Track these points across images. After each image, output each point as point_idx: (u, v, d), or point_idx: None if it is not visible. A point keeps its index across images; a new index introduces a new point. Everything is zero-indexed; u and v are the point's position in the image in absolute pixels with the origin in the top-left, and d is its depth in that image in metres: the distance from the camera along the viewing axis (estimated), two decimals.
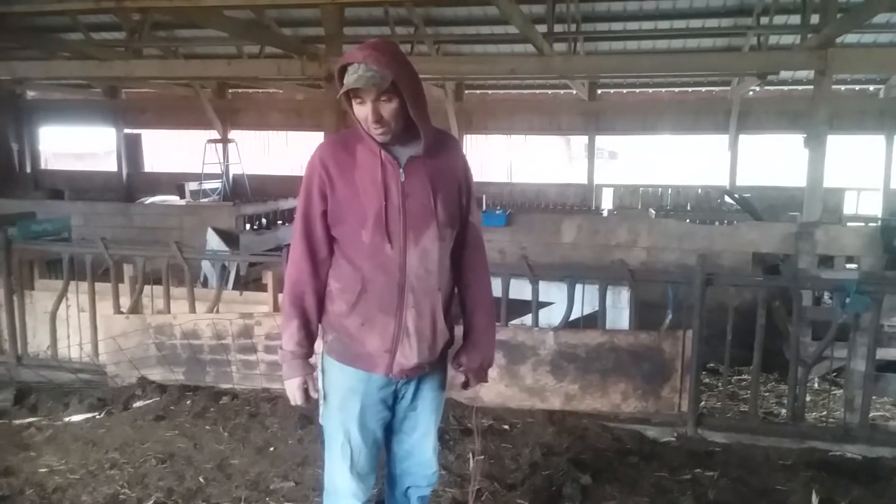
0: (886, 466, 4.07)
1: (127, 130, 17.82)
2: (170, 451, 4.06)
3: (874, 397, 5.38)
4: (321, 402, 2.40)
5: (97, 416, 4.64)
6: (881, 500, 3.64)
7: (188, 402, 4.77)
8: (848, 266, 7.62)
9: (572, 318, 4.79)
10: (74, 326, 5.62)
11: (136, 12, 9.82)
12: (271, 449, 4.11)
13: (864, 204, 13.59)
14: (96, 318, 5.44)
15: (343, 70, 2.10)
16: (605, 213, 13.65)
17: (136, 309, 5.35)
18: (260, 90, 16.37)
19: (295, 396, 2.35)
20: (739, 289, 4.82)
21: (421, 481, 2.53)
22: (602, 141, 20.39)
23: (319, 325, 2.38)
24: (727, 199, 12.86)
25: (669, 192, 14.86)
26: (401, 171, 2.23)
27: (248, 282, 7.65)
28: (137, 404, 4.82)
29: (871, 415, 4.60)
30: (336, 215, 2.26)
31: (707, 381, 6.13)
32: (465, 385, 2.55)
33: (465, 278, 2.46)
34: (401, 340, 2.27)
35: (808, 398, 5.41)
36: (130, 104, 17.60)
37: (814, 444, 4.30)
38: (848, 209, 13.24)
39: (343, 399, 2.34)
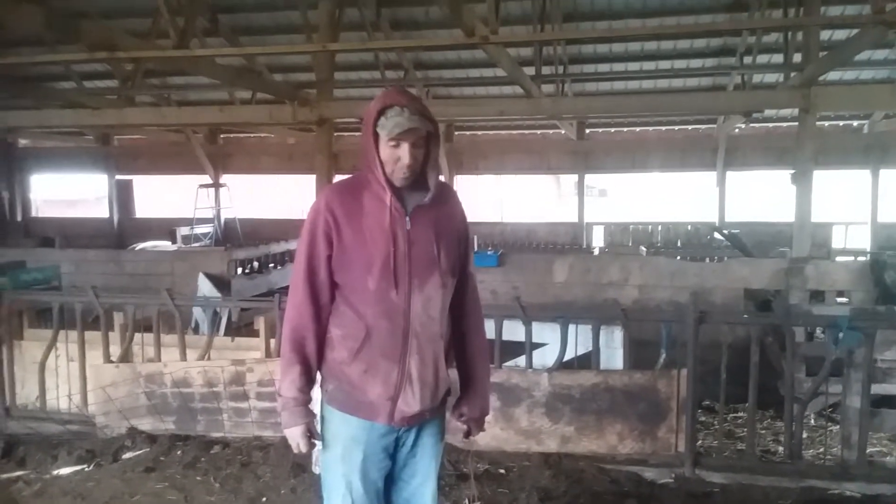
0: (885, 501, 4.03)
1: (119, 176, 17.86)
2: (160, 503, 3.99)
3: (871, 433, 5.35)
4: (319, 450, 2.36)
5: (86, 469, 4.55)
6: None
7: (179, 453, 4.70)
8: (839, 300, 7.64)
9: (566, 358, 4.78)
10: (63, 376, 5.55)
11: (128, 62, 9.93)
12: (263, 499, 4.04)
13: (853, 238, 13.70)
14: (86, 367, 5.38)
15: (380, 112, 2.16)
16: (596, 252, 13.70)
17: (126, 357, 5.30)
18: (251, 135, 16.49)
19: (299, 444, 2.31)
20: (732, 326, 4.83)
21: None
22: (592, 179, 20.60)
23: (318, 373, 2.36)
24: (717, 235, 12.93)
25: (659, 229, 14.95)
26: (407, 218, 2.26)
27: (240, 327, 7.60)
28: (127, 456, 4.74)
29: (868, 451, 4.57)
30: (341, 261, 2.25)
31: (703, 419, 6.09)
32: (468, 434, 2.55)
33: (462, 326, 2.48)
34: (403, 388, 2.27)
35: (804, 435, 5.37)
36: (122, 150, 17.68)
37: (812, 482, 4.25)
38: (836, 243, 13.33)
39: (345, 449, 2.32)
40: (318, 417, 2.37)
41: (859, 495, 4.15)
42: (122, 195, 18.02)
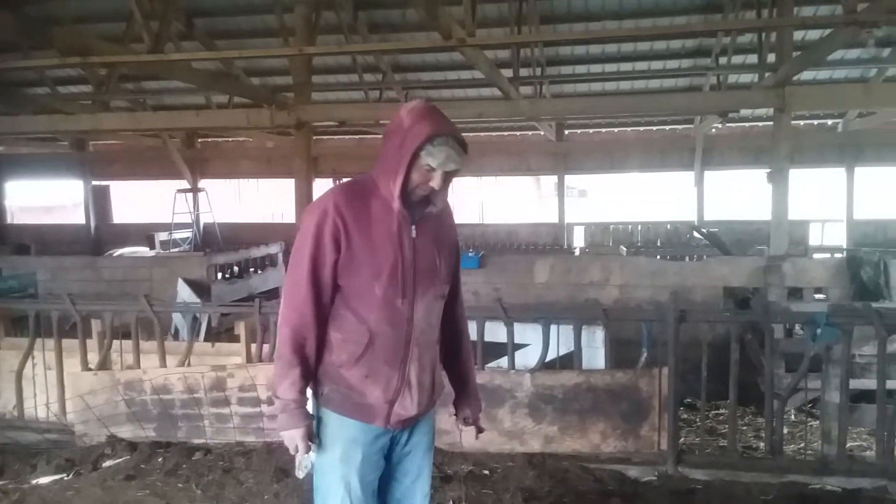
0: (866, 497, 4.09)
1: (95, 182, 17.65)
2: None
3: (850, 428, 5.42)
4: (304, 454, 2.33)
5: (65, 478, 4.49)
6: None
7: (160, 460, 4.65)
8: (816, 297, 7.73)
9: (548, 359, 4.79)
10: (41, 385, 5.48)
11: (102, 67, 9.82)
12: None
13: (829, 235, 13.88)
14: (63, 375, 5.31)
15: (429, 138, 2.15)
16: (577, 252, 13.76)
17: (104, 365, 5.24)
18: (229, 139, 16.37)
19: (299, 447, 2.28)
20: (712, 324, 4.87)
21: None
22: (572, 180, 20.69)
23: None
24: (696, 234, 13.03)
25: (639, 228, 15.04)
26: (413, 227, 2.28)
27: (221, 332, 7.54)
28: (107, 464, 4.68)
29: (847, 445, 4.62)
30: (349, 265, 2.24)
31: (685, 416, 6.13)
32: (478, 433, 2.65)
33: (453, 331, 2.54)
34: (402, 392, 2.30)
35: (785, 430, 5.44)
36: (98, 156, 17.48)
37: (793, 477, 4.30)
38: (813, 241, 13.50)
39: (345, 451, 2.30)
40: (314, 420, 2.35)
41: (840, 489, 4.20)
42: (99, 201, 17.80)
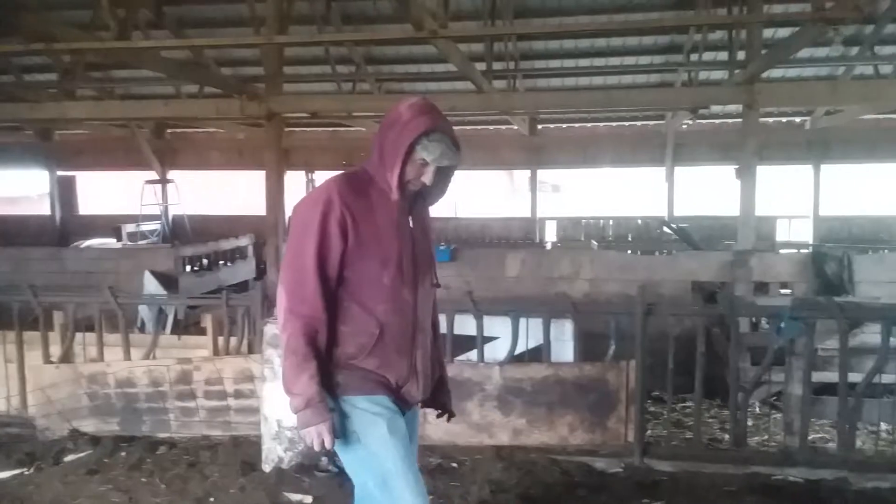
0: (827, 488, 4.16)
1: (61, 173, 17.31)
2: None
3: (812, 420, 5.51)
4: (343, 447, 2.29)
5: (26, 472, 4.41)
6: None
7: (123, 454, 4.59)
8: (782, 292, 7.84)
9: (517, 352, 4.80)
10: (1, 378, 5.37)
11: (66, 54, 9.62)
12: (211, 499, 3.96)
13: (796, 231, 14.10)
14: (24, 368, 5.21)
15: (425, 133, 2.19)
16: (548, 246, 13.81)
17: (67, 358, 5.14)
18: (199, 129, 16.16)
19: (326, 441, 2.20)
20: (680, 317, 4.91)
21: None
22: (545, 174, 20.76)
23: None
24: (666, 229, 13.16)
25: (611, 223, 15.14)
26: (409, 217, 2.32)
27: (189, 325, 7.44)
28: (69, 458, 4.60)
29: (810, 437, 4.70)
30: (357, 255, 2.24)
31: (653, 409, 6.17)
32: (449, 419, 2.67)
33: (432, 321, 2.56)
34: (409, 379, 2.34)
35: (749, 423, 5.51)
36: (64, 146, 17.12)
37: (757, 468, 4.36)
38: (780, 236, 13.71)
39: (390, 422, 2.26)
40: (338, 416, 2.28)
41: (802, 480, 4.26)
42: (65, 192, 17.47)
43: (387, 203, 2.27)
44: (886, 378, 4.64)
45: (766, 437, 5.39)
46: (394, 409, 2.32)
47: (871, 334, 4.91)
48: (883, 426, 5.04)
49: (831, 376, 4.87)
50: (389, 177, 2.23)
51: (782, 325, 4.42)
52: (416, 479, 2.26)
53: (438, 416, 2.65)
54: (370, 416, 2.26)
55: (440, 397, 2.62)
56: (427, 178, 2.24)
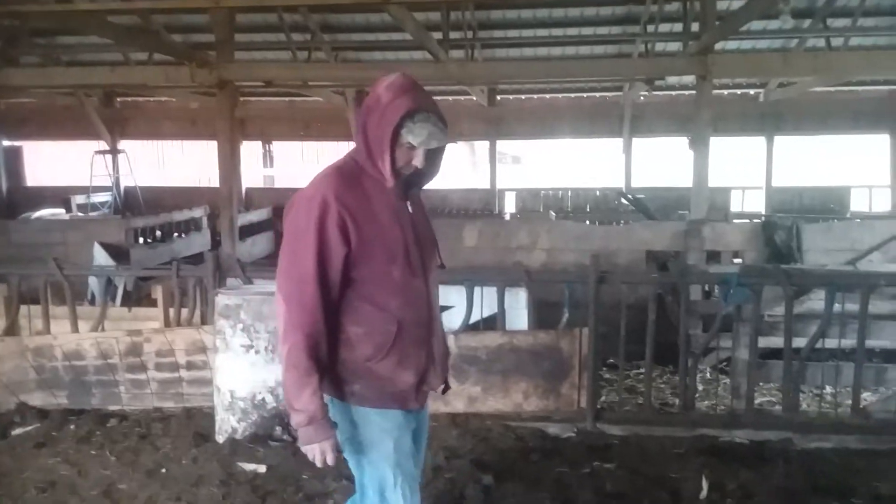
0: (772, 449, 4.29)
1: (6, 143, 16.73)
2: (51, 479, 3.82)
3: (760, 385, 5.67)
4: (350, 451, 2.27)
5: None
6: (768, 481, 3.82)
7: (72, 427, 4.51)
8: (735, 261, 8.01)
9: (472, 321, 4.82)
10: None
11: (8, 18, 9.24)
12: (163, 471, 3.92)
13: (749, 202, 14.38)
14: None
15: (408, 114, 2.08)
16: (507, 217, 13.85)
17: (12, 331, 5.02)
18: (151, 98, 15.72)
19: (328, 458, 2.14)
20: (634, 286, 4.97)
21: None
22: (505, 146, 20.73)
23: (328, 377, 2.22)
24: (623, 200, 13.30)
25: (570, 194, 15.24)
26: (407, 202, 2.24)
27: (141, 298, 7.29)
28: (16, 432, 4.52)
29: (756, 401, 4.83)
30: (362, 255, 2.12)
31: (607, 376, 6.29)
32: (445, 391, 2.55)
33: None
34: (429, 369, 2.28)
35: (700, 388, 5.65)
36: (9, 115, 16.52)
37: (705, 431, 4.47)
38: (734, 207, 13.96)
39: (397, 440, 2.24)
40: (347, 423, 2.25)
41: (748, 442, 4.39)
42: (11, 163, 16.90)
43: (382, 192, 2.16)
44: (830, 343, 4.78)
45: (714, 402, 5.53)
46: (403, 426, 2.26)
47: (817, 301, 5.05)
48: (828, 389, 5.21)
49: (778, 342, 5.00)
50: (381, 165, 2.12)
51: (731, 291, 4.51)
52: (412, 495, 2.27)
53: (443, 391, 2.52)
54: (379, 431, 2.23)
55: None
56: (418, 161, 2.13)
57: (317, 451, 2.13)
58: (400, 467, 2.25)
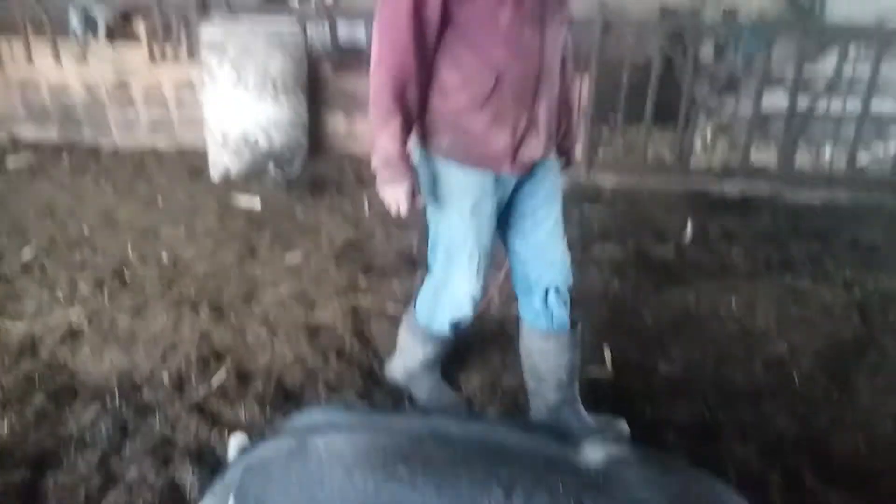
0: (760, 200, 4.36)
1: None
2: (51, 205, 3.87)
3: (756, 145, 5.61)
4: (428, 203, 2.12)
5: None
6: (752, 227, 3.93)
7: (65, 160, 4.53)
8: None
9: None
10: None
11: None
12: (160, 202, 3.98)
13: None
14: None
15: None
16: None
17: None
18: None
19: (401, 204, 2.01)
20: (642, 45, 4.71)
21: (560, 281, 2.22)
22: None
23: (417, 125, 2.03)
24: None
25: None
26: None
27: (127, 37, 6.98)
28: (9, 163, 4.52)
29: (753, 157, 4.79)
30: None
31: (606, 136, 6.22)
32: (567, 166, 2.37)
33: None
34: (529, 133, 2.02)
35: (698, 145, 5.60)
36: None
37: (697, 185, 4.51)
38: None
39: (476, 202, 2.06)
40: (429, 174, 2.09)
41: (738, 195, 4.44)
42: None
43: None
44: (835, 106, 4.64)
45: (711, 159, 5.50)
46: (489, 193, 2.07)
47: (829, 66, 4.81)
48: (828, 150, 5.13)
49: (782, 101, 4.83)
50: None
51: (745, 38, 4.30)
52: (479, 263, 2.14)
53: (565, 164, 2.34)
54: (460, 189, 2.07)
55: (563, 143, 2.29)
56: None
57: (390, 195, 2.02)
58: (474, 232, 2.11)
